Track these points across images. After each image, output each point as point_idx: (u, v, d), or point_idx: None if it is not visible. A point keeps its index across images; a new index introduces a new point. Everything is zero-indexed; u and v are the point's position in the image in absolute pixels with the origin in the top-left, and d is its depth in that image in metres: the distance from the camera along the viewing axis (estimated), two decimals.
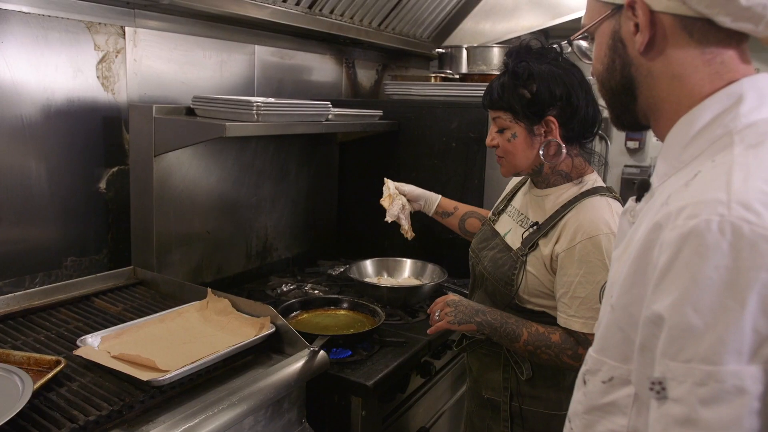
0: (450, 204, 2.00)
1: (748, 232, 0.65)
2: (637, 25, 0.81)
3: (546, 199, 1.53)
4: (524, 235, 1.52)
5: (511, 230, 1.60)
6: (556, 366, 1.46)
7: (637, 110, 0.88)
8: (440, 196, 2.01)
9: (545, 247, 1.47)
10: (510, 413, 1.57)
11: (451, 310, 1.54)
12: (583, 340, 1.39)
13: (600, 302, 1.31)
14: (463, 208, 2.00)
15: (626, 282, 0.78)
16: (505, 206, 1.70)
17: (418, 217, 2.03)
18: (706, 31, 0.78)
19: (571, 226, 1.43)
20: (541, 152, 1.48)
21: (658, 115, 0.85)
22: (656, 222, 0.73)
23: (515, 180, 1.77)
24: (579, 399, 0.89)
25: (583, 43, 0.94)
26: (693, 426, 0.66)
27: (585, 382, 0.87)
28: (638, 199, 0.89)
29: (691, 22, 0.78)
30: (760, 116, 0.76)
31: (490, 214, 1.76)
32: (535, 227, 1.50)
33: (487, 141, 1.58)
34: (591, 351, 0.87)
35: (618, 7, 0.84)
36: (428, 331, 1.60)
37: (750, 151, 0.73)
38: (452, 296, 1.59)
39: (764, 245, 0.64)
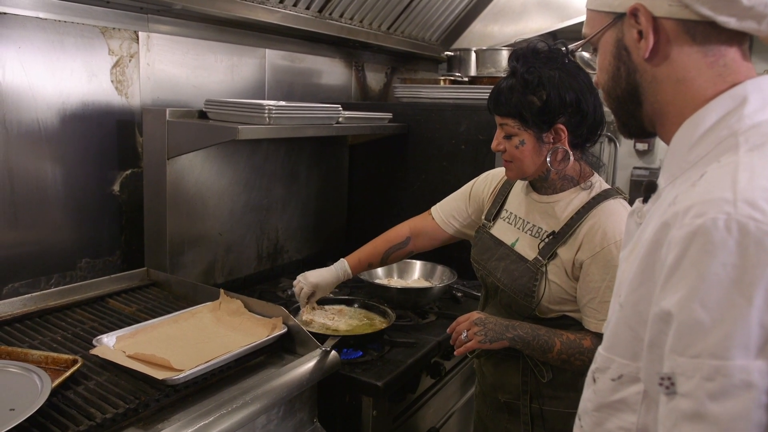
0: (362, 264, 1.89)
1: (754, 229, 0.66)
2: (640, 32, 0.82)
3: (555, 205, 1.51)
4: (541, 246, 1.49)
5: (519, 239, 1.56)
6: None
7: (642, 117, 0.89)
8: (345, 263, 1.88)
9: (565, 255, 1.46)
10: (530, 415, 1.56)
11: (480, 329, 1.48)
12: None
13: None
14: (375, 255, 1.89)
15: (635, 280, 0.79)
16: (498, 211, 1.66)
17: None
18: (709, 34, 0.79)
19: (594, 232, 1.42)
20: (548, 159, 1.46)
21: (663, 120, 0.86)
22: (664, 221, 0.75)
23: (495, 179, 1.73)
24: (589, 397, 0.90)
25: (586, 54, 0.96)
26: (702, 420, 0.67)
27: (595, 380, 0.88)
28: (645, 201, 0.90)
29: (693, 25, 0.79)
30: (764, 117, 0.78)
31: (482, 219, 1.70)
32: (551, 237, 1.48)
33: (493, 145, 1.54)
34: (600, 349, 0.88)
35: (619, 16, 0.85)
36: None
37: (755, 152, 0.74)
38: (477, 314, 1.53)
39: None
